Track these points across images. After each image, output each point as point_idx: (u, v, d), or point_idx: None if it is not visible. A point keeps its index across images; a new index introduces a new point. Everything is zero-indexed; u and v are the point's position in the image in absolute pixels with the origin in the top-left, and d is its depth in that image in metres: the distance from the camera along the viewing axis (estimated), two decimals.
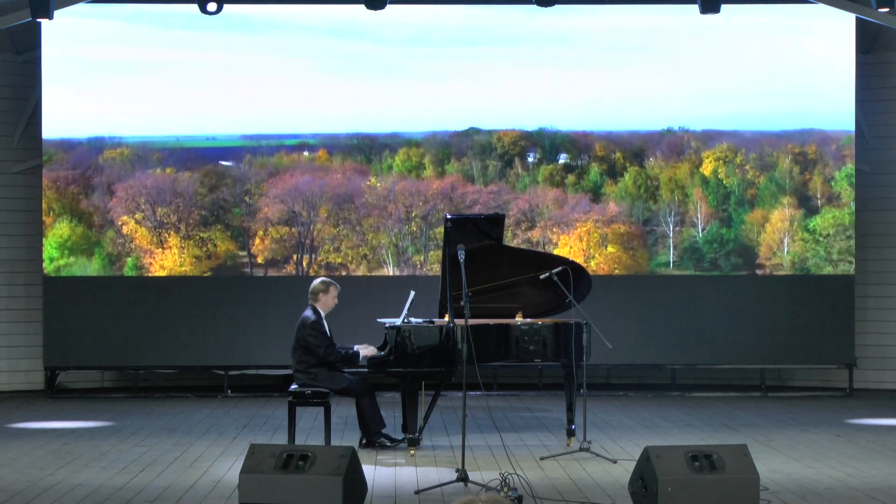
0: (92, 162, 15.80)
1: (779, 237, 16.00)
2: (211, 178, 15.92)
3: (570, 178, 16.06)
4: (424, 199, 15.91)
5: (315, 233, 15.77)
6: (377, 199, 15.97)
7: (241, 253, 15.96)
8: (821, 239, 16.00)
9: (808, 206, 16.10)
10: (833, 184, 16.06)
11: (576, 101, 16.00)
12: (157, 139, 15.84)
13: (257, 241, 15.96)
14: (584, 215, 15.98)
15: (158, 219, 15.81)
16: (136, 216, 15.82)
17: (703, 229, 16.04)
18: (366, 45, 15.96)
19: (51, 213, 15.75)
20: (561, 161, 16.10)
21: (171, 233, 15.84)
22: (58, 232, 15.72)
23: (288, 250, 15.97)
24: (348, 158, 16.01)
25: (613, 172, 16.11)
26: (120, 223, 15.78)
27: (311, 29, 15.93)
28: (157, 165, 15.87)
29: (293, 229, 15.94)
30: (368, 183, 15.97)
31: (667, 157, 16.06)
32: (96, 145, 15.79)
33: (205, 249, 15.87)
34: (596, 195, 16.05)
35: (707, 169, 16.10)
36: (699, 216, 16.00)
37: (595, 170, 16.07)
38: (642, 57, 16.01)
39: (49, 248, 15.73)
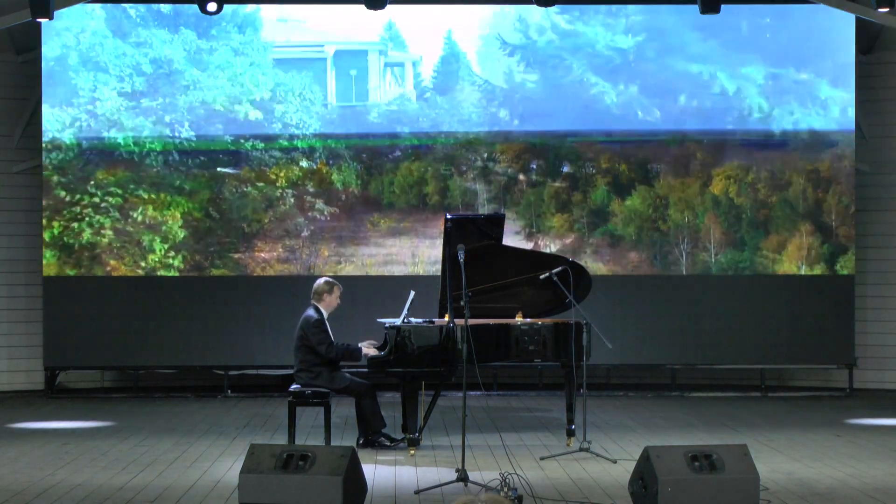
0: (83, 188, 15.61)
1: (796, 265, 15.92)
2: (209, 205, 15.74)
3: (577, 196, 15.90)
4: (431, 240, 15.73)
5: (315, 271, 15.57)
6: (380, 236, 15.82)
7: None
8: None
9: (821, 224, 16.00)
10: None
11: (577, 100, 15.98)
12: (157, 140, 15.79)
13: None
14: (604, 265, 15.85)
15: (150, 265, 15.71)
16: (126, 260, 15.68)
17: (715, 254, 15.92)
18: (367, 45, 15.94)
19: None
20: (564, 170, 15.96)
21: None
22: (46, 270, 15.61)
23: None
24: (348, 169, 15.83)
25: (619, 187, 15.96)
26: (109, 269, 15.69)
27: (310, 29, 15.92)
28: (151, 188, 15.70)
29: (292, 266, 15.81)
30: (371, 219, 15.84)
31: (674, 172, 15.93)
32: (93, 155, 15.61)
33: None
34: (604, 215, 15.89)
35: (717, 188, 15.99)
36: (711, 241, 15.88)
37: (602, 187, 15.94)
38: (642, 57, 15.99)
39: None
